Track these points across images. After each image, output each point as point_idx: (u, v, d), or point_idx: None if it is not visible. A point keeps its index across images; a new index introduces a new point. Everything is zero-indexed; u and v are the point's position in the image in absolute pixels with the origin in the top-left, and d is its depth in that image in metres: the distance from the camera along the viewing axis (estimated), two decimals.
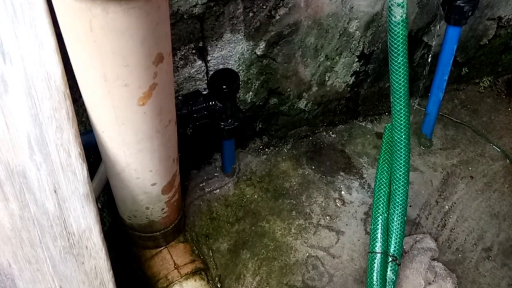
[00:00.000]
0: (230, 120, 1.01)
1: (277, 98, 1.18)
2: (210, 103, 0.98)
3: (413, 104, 1.43)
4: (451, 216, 1.21)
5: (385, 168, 1.08)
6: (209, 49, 0.98)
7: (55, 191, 0.66)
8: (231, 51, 1.01)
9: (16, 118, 0.62)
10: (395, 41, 0.90)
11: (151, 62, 0.60)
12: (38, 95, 0.61)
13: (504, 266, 1.13)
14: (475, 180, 1.28)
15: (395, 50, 0.91)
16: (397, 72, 0.93)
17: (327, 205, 1.19)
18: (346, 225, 1.16)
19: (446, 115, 1.42)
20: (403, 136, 0.98)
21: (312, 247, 1.12)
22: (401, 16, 0.87)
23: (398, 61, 0.91)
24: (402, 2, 0.86)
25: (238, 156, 1.24)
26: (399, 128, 0.98)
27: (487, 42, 1.40)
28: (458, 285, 1.08)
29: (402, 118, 0.97)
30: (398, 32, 0.89)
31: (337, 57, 1.16)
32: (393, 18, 0.88)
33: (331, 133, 1.35)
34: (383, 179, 1.07)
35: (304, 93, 1.21)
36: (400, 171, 1.00)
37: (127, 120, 0.66)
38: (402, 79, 0.93)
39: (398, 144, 0.99)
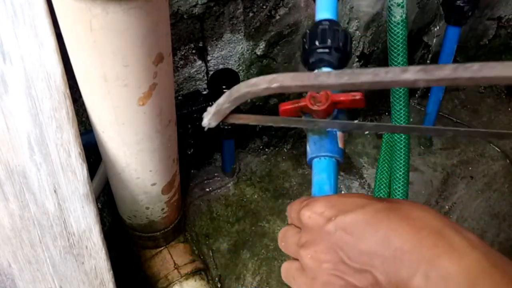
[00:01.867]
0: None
1: (277, 98, 1.18)
2: (210, 103, 0.98)
3: (413, 104, 1.43)
4: (451, 216, 1.21)
5: (385, 168, 1.08)
6: (209, 49, 0.98)
7: (55, 191, 0.66)
8: (231, 51, 1.01)
9: (16, 118, 0.62)
10: (395, 41, 0.90)
11: (151, 62, 0.60)
12: (38, 95, 0.61)
13: None
14: (475, 180, 1.28)
15: (395, 50, 0.91)
16: None
17: None
18: None
19: (446, 115, 1.42)
20: (403, 136, 0.98)
21: None
22: (401, 16, 0.88)
23: (398, 61, 0.92)
24: (401, 2, 0.86)
25: (238, 156, 1.24)
26: None
27: (487, 42, 1.40)
28: None
29: (402, 118, 0.97)
30: (398, 32, 0.89)
31: None
32: (392, 18, 0.88)
33: None
34: (383, 179, 1.07)
35: (304, 93, 1.21)
36: (400, 171, 1.00)
37: (127, 120, 0.66)
38: None
39: (398, 144, 0.99)
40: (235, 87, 0.40)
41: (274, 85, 0.37)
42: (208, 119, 0.44)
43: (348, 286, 0.37)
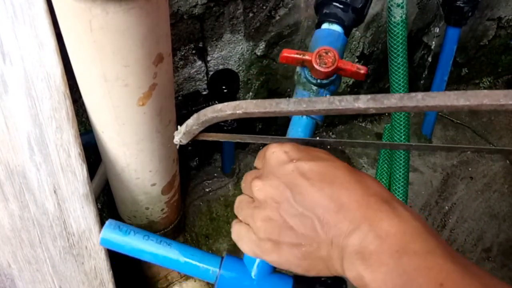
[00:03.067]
0: (230, 121, 1.01)
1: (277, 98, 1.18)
2: (210, 103, 0.98)
3: None
4: (451, 217, 1.21)
5: (384, 168, 1.08)
6: (209, 49, 0.98)
7: (55, 192, 0.66)
8: (231, 51, 1.01)
9: (16, 118, 0.62)
10: (395, 42, 0.90)
11: (151, 62, 0.60)
12: (38, 95, 0.61)
13: (504, 266, 1.14)
14: (475, 180, 1.28)
15: (395, 51, 0.91)
16: (396, 73, 0.93)
17: None
18: None
19: (446, 116, 1.42)
20: (403, 137, 0.98)
21: None
22: (401, 17, 0.88)
23: (398, 61, 0.92)
24: (401, 3, 0.86)
25: (238, 157, 1.24)
26: (398, 129, 0.98)
27: (487, 43, 1.41)
28: None
29: (401, 119, 0.97)
30: (398, 33, 0.89)
31: None
32: (392, 19, 0.88)
33: (331, 133, 1.35)
34: (383, 179, 1.07)
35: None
36: (400, 172, 1.00)
37: (127, 120, 0.66)
38: (402, 80, 0.93)
39: None
40: (203, 111, 0.42)
41: (239, 111, 0.39)
42: (179, 137, 0.45)
43: (284, 226, 0.38)
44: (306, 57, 0.48)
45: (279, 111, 0.38)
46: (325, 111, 0.36)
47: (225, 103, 0.40)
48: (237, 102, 0.39)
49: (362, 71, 0.47)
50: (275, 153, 0.41)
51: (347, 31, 0.56)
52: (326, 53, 0.47)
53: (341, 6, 0.55)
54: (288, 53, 0.49)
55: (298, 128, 0.51)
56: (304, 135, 0.50)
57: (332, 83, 0.51)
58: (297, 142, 0.48)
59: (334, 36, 0.54)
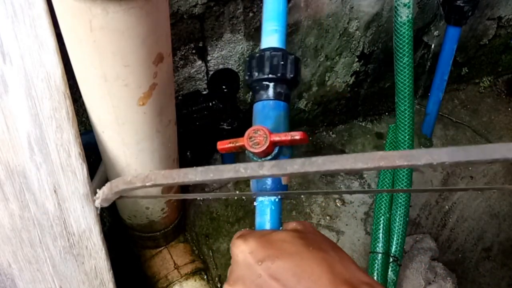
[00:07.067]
0: (230, 120, 1.01)
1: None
2: (210, 103, 0.98)
3: None
4: (451, 216, 1.21)
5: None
6: (209, 49, 0.98)
7: (55, 191, 0.66)
8: (231, 51, 1.01)
9: (16, 118, 0.62)
10: (401, 42, 0.90)
11: (151, 62, 0.60)
12: (38, 95, 0.61)
13: (504, 266, 1.14)
14: (475, 180, 1.28)
15: (401, 51, 0.90)
16: (402, 73, 0.92)
17: (327, 205, 1.19)
18: (346, 225, 1.16)
19: (446, 115, 1.42)
20: (407, 137, 0.98)
21: None
22: (407, 17, 0.87)
23: (404, 61, 0.91)
24: (408, 3, 0.86)
25: (238, 156, 1.24)
26: (403, 129, 0.98)
27: (487, 42, 1.40)
28: (458, 285, 1.09)
29: (406, 119, 0.97)
30: (404, 33, 0.88)
31: (337, 57, 1.16)
32: (399, 19, 0.88)
33: (331, 133, 1.35)
34: (386, 179, 1.07)
35: (304, 93, 1.21)
36: (403, 171, 1.00)
37: (127, 120, 0.66)
38: (407, 80, 0.93)
39: (402, 145, 0.99)
40: (114, 182, 0.43)
41: (148, 183, 0.40)
42: (99, 201, 0.47)
43: None
44: (239, 143, 0.47)
45: (188, 181, 0.39)
46: (233, 179, 0.37)
47: (135, 175, 0.42)
48: (146, 174, 0.41)
49: (297, 137, 0.45)
50: (240, 255, 0.42)
51: (285, 98, 0.54)
52: (256, 132, 0.46)
53: (269, 83, 0.53)
54: (222, 145, 0.48)
55: (263, 213, 0.49)
56: (271, 219, 0.49)
57: (279, 155, 0.49)
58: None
59: (269, 106, 0.53)
